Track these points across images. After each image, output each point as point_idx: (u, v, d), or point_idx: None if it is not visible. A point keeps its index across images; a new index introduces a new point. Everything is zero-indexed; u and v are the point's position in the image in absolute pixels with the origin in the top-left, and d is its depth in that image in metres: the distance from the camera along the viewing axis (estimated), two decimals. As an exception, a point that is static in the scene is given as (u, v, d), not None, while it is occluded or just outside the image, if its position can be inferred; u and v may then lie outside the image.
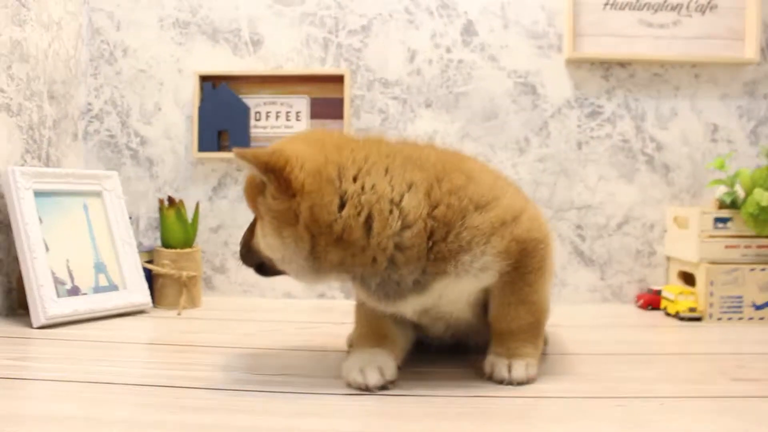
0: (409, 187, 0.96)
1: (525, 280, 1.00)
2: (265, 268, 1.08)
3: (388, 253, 0.95)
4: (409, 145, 1.05)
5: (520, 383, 1.00)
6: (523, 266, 1.00)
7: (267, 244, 1.00)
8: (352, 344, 1.11)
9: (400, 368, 1.03)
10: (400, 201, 0.95)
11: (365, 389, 0.96)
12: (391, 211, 0.95)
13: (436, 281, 0.97)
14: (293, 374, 1.07)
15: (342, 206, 0.95)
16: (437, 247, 0.95)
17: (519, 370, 1.00)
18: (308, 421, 0.85)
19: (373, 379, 0.97)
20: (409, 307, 1.01)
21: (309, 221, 0.94)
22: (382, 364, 0.99)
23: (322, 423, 0.84)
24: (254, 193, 1.01)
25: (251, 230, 1.08)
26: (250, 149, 0.97)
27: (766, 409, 0.92)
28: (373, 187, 0.95)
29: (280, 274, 1.07)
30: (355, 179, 0.96)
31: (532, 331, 1.04)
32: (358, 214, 0.95)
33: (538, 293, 1.03)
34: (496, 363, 1.02)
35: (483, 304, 1.05)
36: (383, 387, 0.97)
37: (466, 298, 1.02)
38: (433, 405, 0.92)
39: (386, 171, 0.97)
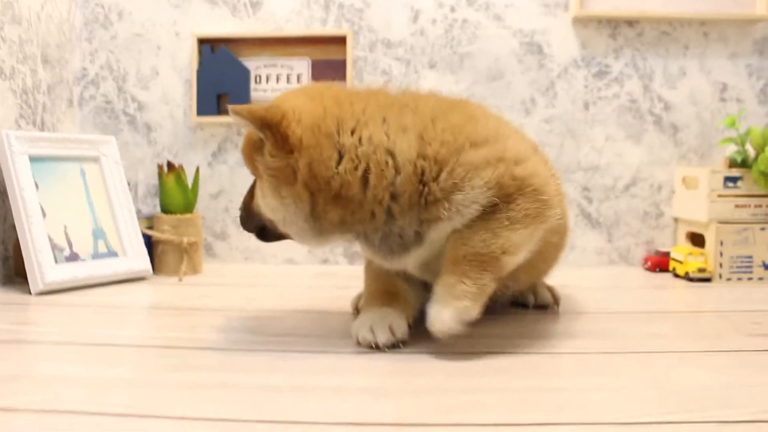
0: (404, 132, 0.93)
1: (507, 214, 0.92)
2: (266, 232, 1.05)
3: (384, 204, 0.93)
4: (409, 93, 1.02)
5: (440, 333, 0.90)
6: (514, 203, 0.92)
7: (267, 205, 0.98)
8: (363, 304, 1.07)
9: (410, 327, 1.00)
10: (394, 147, 0.92)
11: (375, 347, 0.94)
12: (387, 162, 0.92)
13: (432, 229, 0.94)
14: (300, 335, 1.04)
15: (340, 161, 0.92)
16: (429, 188, 0.92)
17: (436, 316, 0.90)
18: (318, 378, 0.83)
19: (383, 337, 0.94)
20: (411, 260, 0.98)
21: (307, 178, 0.92)
22: (392, 323, 0.97)
23: (331, 380, 0.82)
24: (252, 151, 0.98)
25: (251, 193, 1.04)
26: (246, 105, 0.94)
27: (785, 362, 0.90)
28: (369, 138, 0.93)
29: (282, 238, 1.04)
30: (352, 132, 0.93)
31: (481, 263, 0.91)
32: (356, 168, 0.92)
33: (515, 233, 0.92)
34: (429, 307, 0.92)
35: None
36: (393, 346, 0.95)
37: None
38: (444, 362, 0.89)
39: (383, 120, 0.95)
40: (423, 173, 0.92)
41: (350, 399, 0.75)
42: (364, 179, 0.92)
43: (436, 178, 0.91)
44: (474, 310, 0.90)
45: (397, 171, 0.92)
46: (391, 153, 0.92)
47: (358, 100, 0.98)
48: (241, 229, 1.08)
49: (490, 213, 0.92)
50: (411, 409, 0.72)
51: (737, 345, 0.98)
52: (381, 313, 0.99)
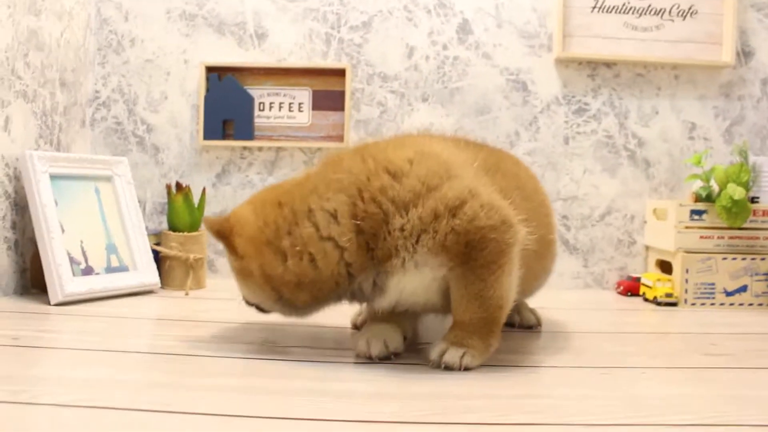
0: (334, 217, 1.01)
1: (476, 274, 0.99)
2: (261, 309, 1.16)
3: (343, 273, 1.02)
4: (333, 161, 1.08)
5: (450, 368, 1.01)
6: (473, 260, 0.99)
7: (244, 293, 1.13)
8: (367, 320, 1.18)
9: (406, 339, 1.12)
10: (330, 233, 1.01)
11: (369, 358, 1.06)
12: (325, 248, 1.01)
13: (390, 279, 1.02)
14: (309, 346, 1.15)
15: (286, 258, 1.03)
16: (373, 253, 1.00)
17: (452, 354, 1.02)
18: (329, 384, 0.94)
19: (376, 349, 1.06)
20: (382, 304, 1.07)
21: (263, 277, 1.05)
22: (387, 336, 1.08)
23: (340, 385, 0.94)
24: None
25: None
26: (209, 218, 1.12)
27: (732, 377, 1.03)
28: (301, 235, 1.02)
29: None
30: (289, 233, 1.03)
31: (485, 325, 1.04)
32: (301, 259, 1.02)
33: (494, 289, 1.01)
34: (434, 346, 1.05)
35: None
36: (386, 357, 1.07)
37: (425, 290, 1.04)
38: (438, 372, 1.01)
39: (309, 212, 1.02)
40: (367, 244, 1.00)
41: (357, 401, 0.87)
42: (314, 264, 1.01)
43: (375, 247, 1.00)
44: (477, 359, 1.03)
45: (342, 248, 1.00)
46: (329, 238, 1.01)
47: (287, 197, 1.06)
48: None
49: (457, 270, 1.00)
50: (407, 410, 0.84)
51: (693, 362, 1.11)
52: (378, 329, 1.11)
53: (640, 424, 0.81)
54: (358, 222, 0.99)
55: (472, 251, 0.98)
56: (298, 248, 1.02)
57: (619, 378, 1.01)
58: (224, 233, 1.08)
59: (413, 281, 1.02)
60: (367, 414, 0.83)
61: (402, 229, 0.98)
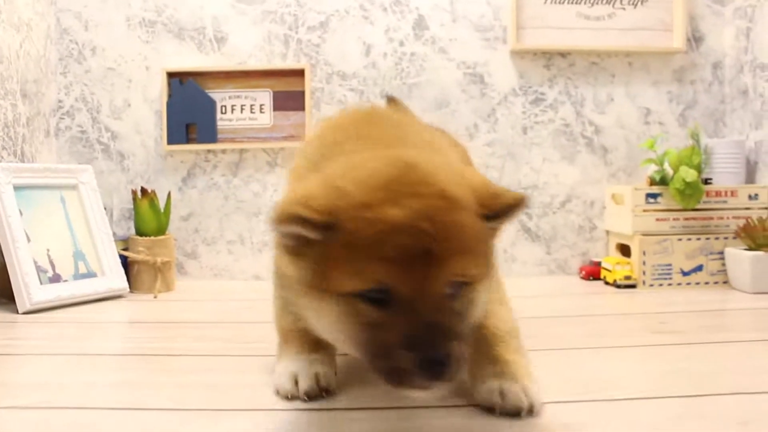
0: None
1: (493, 287, 0.89)
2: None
3: None
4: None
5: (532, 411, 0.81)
6: (492, 271, 0.89)
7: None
8: (282, 345, 0.95)
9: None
10: None
11: (293, 398, 0.86)
12: None
13: None
14: (273, 342, 1.18)
15: None
16: None
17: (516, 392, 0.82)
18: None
19: (306, 384, 0.86)
20: None
21: None
22: (319, 370, 0.88)
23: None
24: (477, 241, 0.75)
25: (441, 310, 0.71)
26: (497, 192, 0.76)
27: (678, 353, 1.08)
28: None
29: None
30: None
31: (517, 338, 0.90)
32: None
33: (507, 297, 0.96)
34: (481, 386, 0.84)
35: None
36: (317, 396, 0.87)
37: None
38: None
39: None
40: None
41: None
42: None
43: None
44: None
45: None
46: None
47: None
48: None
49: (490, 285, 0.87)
50: (355, 404, 0.87)
51: (642, 341, 1.15)
52: (308, 361, 0.89)
53: (586, 401, 0.85)
54: None
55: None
56: None
57: (574, 358, 1.05)
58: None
59: None
60: (325, 403, 0.86)
61: None
